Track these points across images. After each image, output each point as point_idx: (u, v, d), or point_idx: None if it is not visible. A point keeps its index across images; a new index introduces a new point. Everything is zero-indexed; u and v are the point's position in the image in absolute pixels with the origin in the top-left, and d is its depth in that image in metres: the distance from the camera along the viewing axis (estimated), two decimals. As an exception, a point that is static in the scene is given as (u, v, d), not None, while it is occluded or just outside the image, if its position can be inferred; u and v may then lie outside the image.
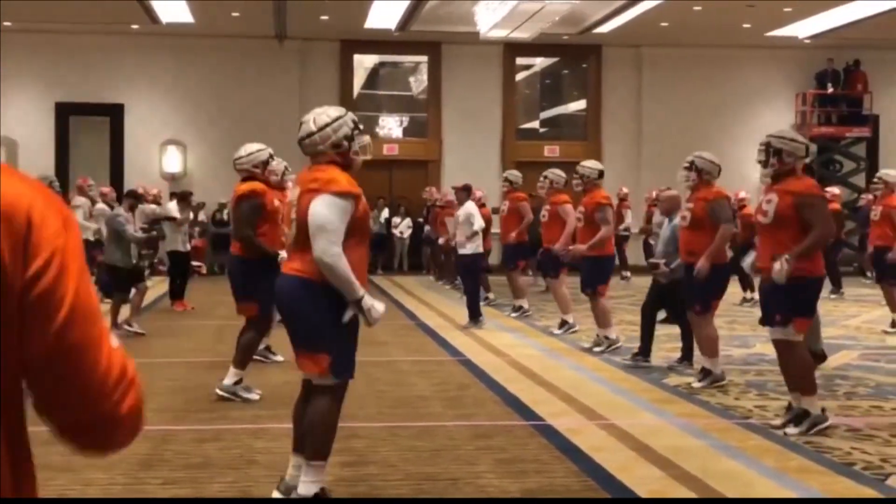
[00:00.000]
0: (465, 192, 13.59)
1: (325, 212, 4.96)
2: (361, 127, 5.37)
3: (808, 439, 6.76)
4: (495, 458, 6.29)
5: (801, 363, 7.08)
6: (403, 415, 7.66)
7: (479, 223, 13.02)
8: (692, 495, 5.46)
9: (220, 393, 8.05)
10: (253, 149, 8.53)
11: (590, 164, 11.55)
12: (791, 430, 6.84)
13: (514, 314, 14.26)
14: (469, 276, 13.32)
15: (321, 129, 5.20)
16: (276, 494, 5.29)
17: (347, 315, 5.02)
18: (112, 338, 1.55)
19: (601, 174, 11.38)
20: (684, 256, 9.15)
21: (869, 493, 5.52)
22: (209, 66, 24.46)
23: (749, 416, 7.58)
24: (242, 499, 5.47)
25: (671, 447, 6.53)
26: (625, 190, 22.26)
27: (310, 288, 5.03)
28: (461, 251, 13.19)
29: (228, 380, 8.12)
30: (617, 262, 19.37)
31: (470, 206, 13.32)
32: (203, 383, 8.72)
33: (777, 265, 6.71)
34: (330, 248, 4.92)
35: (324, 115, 5.25)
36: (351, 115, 5.33)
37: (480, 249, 13.18)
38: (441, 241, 19.52)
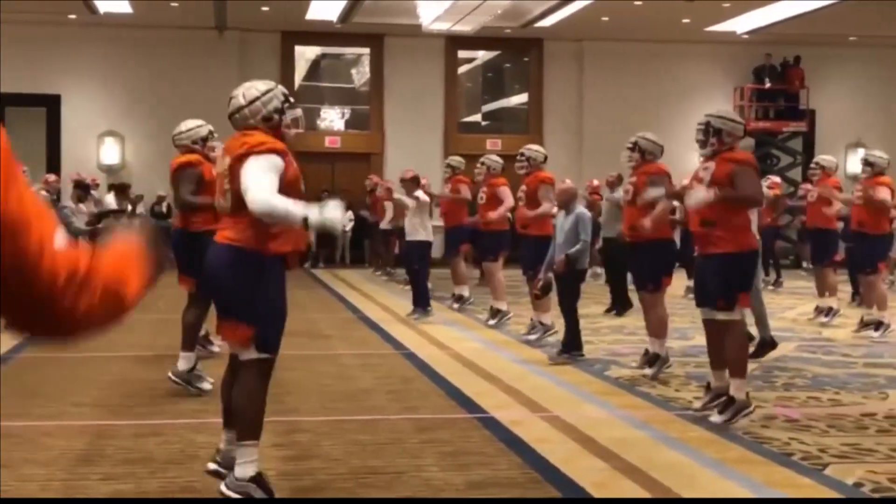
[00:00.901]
0: (413, 183, 13.56)
1: (255, 169, 4.94)
2: (292, 100, 5.35)
3: (748, 430, 6.85)
4: (439, 450, 6.30)
5: (738, 343, 7.17)
6: (347, 408, 7.64)
7: (424, 198, 13.09)
8: (636, 487, 5.50)
9: (173, 378, 7.96)
10: (192, 124, 8.50)
11: (535, 147, 11.83)
12: (716, 417, 6.93)
13: (455, 304, 14.24)
14: (419, 264, 13.26)
15: (251, 102, 5.19)
16: (212, 466, 5.28)
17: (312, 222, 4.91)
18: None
19: (546, 159, 11.59)
20: (628, 232, 9.27)
21: (807, 482, 5.60)
22: (148, 57, 24.18)
23: (689, 407, 7.65)
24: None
25: (614, 439, 6.58)
26: (568, 181, 22.34)
27: (240, 256, 4.98)
28: (411, 238, 13.16)
29: (183, 365, 8.01)
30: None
31: (419, 194, 13.31)
32: (142, 378, 8.63)
33: (701, 192, 6.89)
34: (260, 195, 4.86)
35: (253, 88, 5.25)
36: (281, 89, 5.32)
37: (431, 237, 13.15)
38: (386, 227, 19.50)
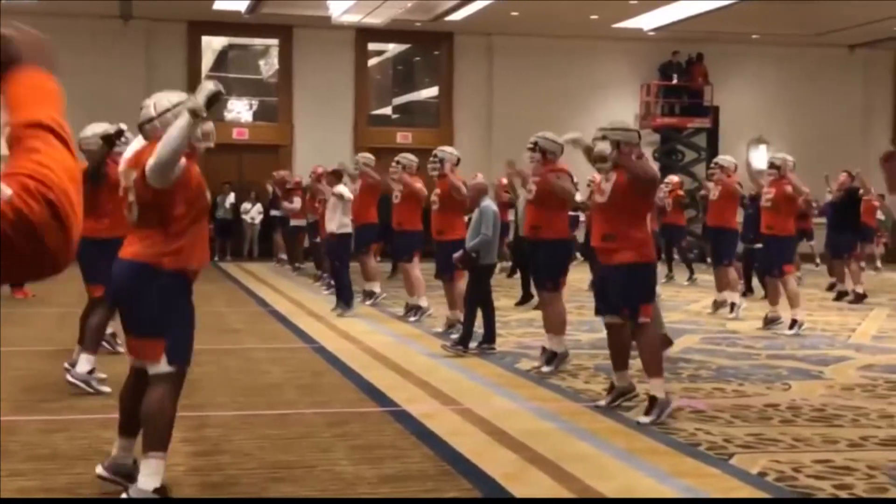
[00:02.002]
0: (335, 177, 13.49)
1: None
2: (205, 114, 5.30)
3: (655, 420, 6.95)
4: (351, 444, 6.29)
5: (650, 346, 7.26)
6: (257, 403, 7.59)
7: (348, 195, 13.07)
8: (546, 477, 5.56)
9: (73, 381, 7.79)
10: (99, 129, 8.30)
11: (449, 149, 11.86)
12: (643, 419, 6.97)
13: (367, 301, 14.17)
14: (340, 259, 13.18)
15: (161, 114, 5.12)
16: (99, 470, 5.21)
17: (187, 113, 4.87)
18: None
19: (458, 161, 11.59)
20: (528, 231, 9.36)
21: (713, 472, 5.71)
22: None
23: (598, 399, 7.75)
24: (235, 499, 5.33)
25: (524, 430, 6.63)
26: (480, 177, 22.46)
27: (147, 272, 4.96)
28: (331, 231, 13.10)
29: (82, 367, 7.85)
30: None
31: (341, 188, 13.25)
32: (46, 372, 8.47)
33: (607, 145, 7.07)
34: (158, 152, 4.84)
35: (164, 99, 5.18)
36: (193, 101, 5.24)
37: (350, 229, 13.08)
38: (296, 223, 19.36)
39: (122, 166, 5.33)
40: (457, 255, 9.95)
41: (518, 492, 5.31)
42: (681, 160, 27.01)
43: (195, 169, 5.08)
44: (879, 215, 25.56)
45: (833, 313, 14.11)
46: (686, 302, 15.38)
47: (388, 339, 10.98)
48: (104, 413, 7.06)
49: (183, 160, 4.96)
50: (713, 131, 26.91)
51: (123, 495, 4.97)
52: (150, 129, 5.13)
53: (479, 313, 10.01)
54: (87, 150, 8.22)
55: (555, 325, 9.21)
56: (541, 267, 9.31)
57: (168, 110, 5.12)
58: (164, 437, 4.96)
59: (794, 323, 11.82)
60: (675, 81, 26.75)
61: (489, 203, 10.22)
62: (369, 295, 14.29)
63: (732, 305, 13.27)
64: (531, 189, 9.38)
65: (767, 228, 12.04)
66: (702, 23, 23.57)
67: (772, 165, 12.25)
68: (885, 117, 28.56)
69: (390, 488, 5.39)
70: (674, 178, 17.52)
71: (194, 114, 4.85)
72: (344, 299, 13.01)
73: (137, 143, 5.32)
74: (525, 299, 14.08)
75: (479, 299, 9.99)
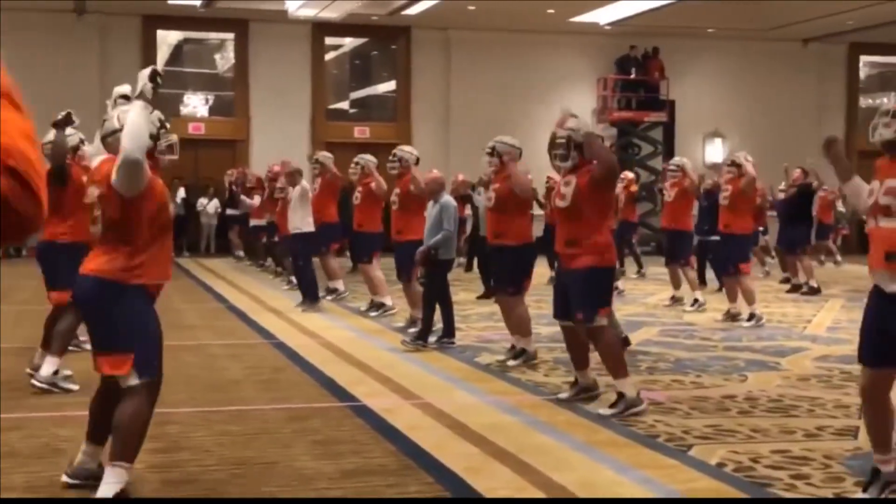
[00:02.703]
0: (296, 175, 13.44)
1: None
2: (168, 126, 5.27)
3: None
4: (311, 440, 6.27)
5: (609, 348, 7.21)
6: (216, 399, 7.55)
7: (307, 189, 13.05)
8: (507, 470, 5.58)
9: (39, 385, 7.66)
10: (113, 114, 8.11)
11: (408, 149, 11.81)
12: (605, 410, 6.99)
13: (329, 297, 14.12)
14: (304, 256, 13.13)
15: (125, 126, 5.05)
16: (64, 479, 5.19)
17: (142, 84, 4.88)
18: None
19: (418, 160, 11.56)
20: (491, 237, 9.35)
21: (672, 463, 5.75)
22: (2, 40, 23.34)
23: (558, 392, 7.78)
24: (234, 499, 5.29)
25: (485, 424, 6.65)
26: (436, 171, 22.48)
27: (111, 289, 4.92)
28: (294, 230, 13.05)
29: (46, 370, 7.72)
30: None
31: (305, 186, 13.21)
32: (3, 370, 8.36)
33: (575, 121, 7.12)
34: (121, 156, 4.79)
35: (128, 112, 5.11)
36: (157, 114, 5.21)
37: (312, 228, 13.03)
38: (256, 223, 19.28)
39: (86, 179, 5.28)
40: (418, 251, 9.95)
41: (479, 485, 5.32)
42: (637, 154, 27.16)
43: (159, 183, 5.06)
44: (840, 207, 25.91)
45: (789, 305, 14.26)
46: (644, 295, 15.47)
47: (349, 335, 10.96)
48: (60, 411, 7.01)
49: (148, 172, 4.92)
50: (669, 125, 27.09)
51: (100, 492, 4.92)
52: (114, 142, 5.07)
53: (438, 308, 10.01)
54: (47, 156, 8.03)
55: (519, 328, 9.20)
56: (503, 272, 9.27)
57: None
58: (133, 449, 4.93)
59: (751, 316, 11.93)
60: (631, 76, 26.89)
61: (448, 198, 10.21)
62: (332, 292, 14.27)
63: (695, 301, 13.35)
64: (490, 196, 9.33)
65: (725, 227, 12.13)
66: (658, 17, 23.70)
67: (732, 163, 12.35)
68: (838, 110, 28.87)
69: (351, 483, 5.38)
70: (628, 174, 17.62)
71: (143, 96, 4.82)
72: (309, 296, 12.97)
73: (99, 157, 5.28)
74: (487, 294, 14.09)
75: (437, 294, 9.99)
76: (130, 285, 4.92)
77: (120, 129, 5.02)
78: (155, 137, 5.14)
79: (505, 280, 9.23)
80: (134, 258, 4.93)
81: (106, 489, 4.84)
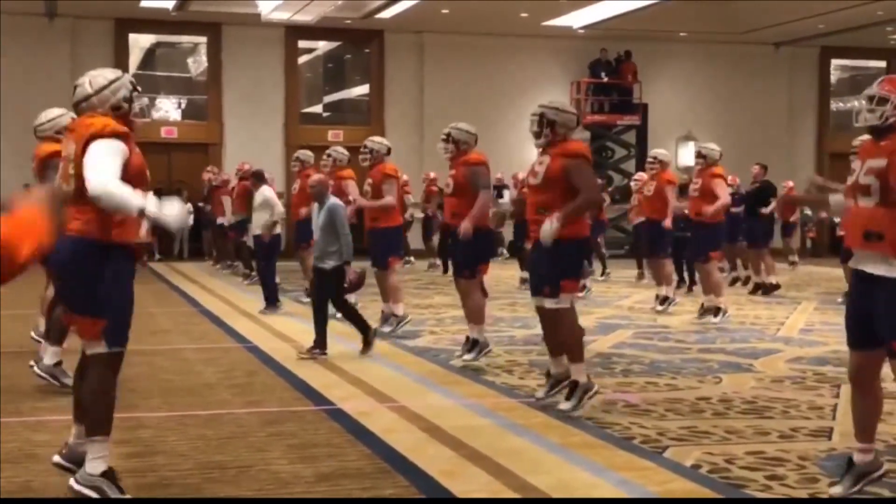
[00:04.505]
0: (258, 178, 13.41)
1: (98, 151, 4.84)
2: (140, 89, 5.28)
3: (590, 415, 7.00)
4: (287, 443, 6.25)
5: (570, 331, 7.23)
6: (190, 403, 7.51)
7: (279, 210, 12.93)
8: (483, 473, 5.57)
9: (39, 373, 7.70)
10: (54, 114, 8.03)
11: (378, 139, 11.80)
12: (564, 405, 7.03)
13: (308, 298, 14.08)
14: (266, 260, 13.10)
15: (99, 91, 5.08)
16: (56, 458, 5.21)
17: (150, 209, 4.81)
18: None
19: (389, 150, 11.58)
20: (449, 218, 9.46)
21: (648, 465, 5.76)
22: (-27, 42, 23.19)
23: (533, 394, 7.78)
24: (237, 499, 5.25)
25: (460, 427, 6.64)
26: (405, 177, 22.51)
27: (90, 248, 4.88)
28: (255, 233, 13.00)
29: (48, 359, 7.74)
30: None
31: (266, 191, 13.16)
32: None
33: (546, 224, 6.93)
34: (99, 177, 4.74)
35: (100, 77, 5.14)
36: (129, 77, 5.22)
37: (279, 230, 12.99)
38: (222, 221, 19.25)
39: (65, 139, 5.26)
40: (351, 278, 9.57)
41: (455, 488, 5.31)
42: (611, 157, 27.26)
43: (136, 151, 5.02)
44: (806, 209, 26.06)
45: (761, 307, 14.33)
46: (618, 297, 15.51)
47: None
48: (33, 415, 6.96)
49: (123, 145, 4.90)
50: (642, 128, 27.19)
51: (72, 482, 4.95)
52: (88, 107, 5.07)
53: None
54: (42, 137, 7.98)
55: (473, 314, 9.24)
56: (459, 255, 9.35)
57: (104, 87, 5.08)
58: (105, 421, 4.95)
59: (717, 310, 12.03)
60: (604, 79, 26.97)
61: (336, 201, 9.81)
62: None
63: (665, 299, 13.42)
64: (448, 183, 9.46)
65: (696, 215, 12.27)
66: (630, 21, 23.79)
67: (699, 155, 12.53)
68: (810, 113, 29.06)
69: (327, 487, 5.36)
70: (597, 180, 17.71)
71: (142, 214, 4.79)
72: (271, 300, 12.93)
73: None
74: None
75: (326, 303, 9.67)
76: (113, 244, 4.89)
77: (93, 94, 5.05)
78: (128, 101, 5.14)
79: (461, 264, 9.31)
80: (111, 216, 4.87)
81: (91, 466, 4.90)
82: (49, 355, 7.78)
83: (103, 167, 4.79)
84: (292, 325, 11.94)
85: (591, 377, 7.30)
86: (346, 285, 9.61)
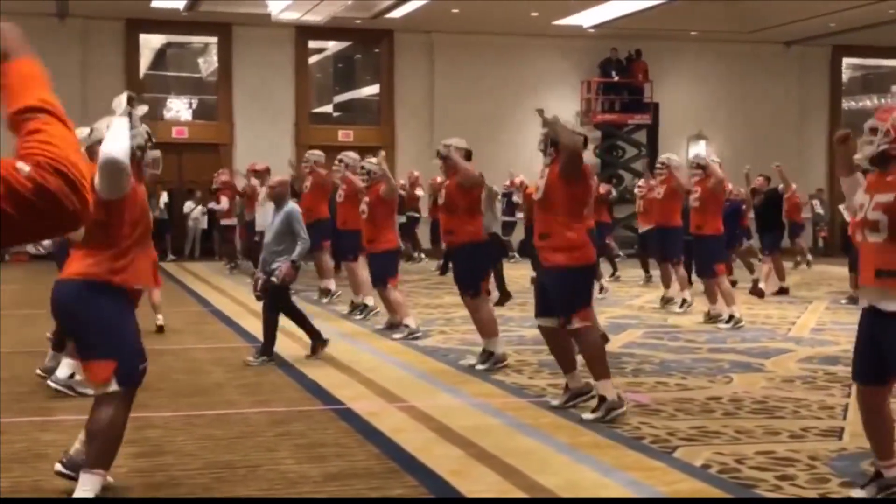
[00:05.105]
0: (265, 175, 13.43)
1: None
2: (154, 140, 5.36)
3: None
4: (295, 443, 6.25)
5: (590, 349, 7.17)
6: (199, 403, 7.51)
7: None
8: (491, 473, 5.56)
9: (54, 386, 7.65)
10: (100, 125, 8.01)
11: (376, 160, 11.74)
12: (588, 415, 6.92)
13: (324, 299, 14.14)
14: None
15: (87, 135, 5.19)
16: (57, 467, 5.21)
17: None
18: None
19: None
20: (443, 237, 9.60)
21: (657, 465, 5.75)
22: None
23: (543, 394, 7.77)
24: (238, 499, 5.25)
25: (469, 426, 6.63)
26: (416, 173, 22.53)
27: (93, 289, 4.92)
28: (259, 229, 13.01)
29: (63, 372, 7.71)
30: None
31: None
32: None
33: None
34: (101, 158, 4.82)
35: (101, 123, 5.25)
36: (146, 128, 5.29)
37: None
38: (226, 223, 19.27)
39: None
40: (286, 271, 9.25)
41: (463, 488, 5.30)
42: (621, 157, 27.21)
43: (141, 189, 5.11)
44: (818, 209, 25.93)
45: (772, 307, 14.28)
46: (629, 297, 15.48)
47: (333, 338, 10.89)
48: (42, 416, 6.97)
49: (131, 177, 4.93)
50: (653, 128, 27.13)
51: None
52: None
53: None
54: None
55: (486, 328, 9.20)
56: (459, 273, 9.42)
57: (89, 134, 5.24)
58: (109, 456, 4.95)
59: (730, 318, 11.95)
60: (615, 78, 26.93)
61: (293, 205, 9.64)
62: (325, 293, 14.27)
63: (683, 301, 13.38)
64: (441, 195, 9.56)
65: (696, 228, 12.17)
66: (641, 20, 23.73)
67: (697, 166, 12.49)
68: (821, 112, 28.96)
69: (335, 486, 5.36)
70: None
71: (127, 111, 4.89)
72: None
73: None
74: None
75: (277, 311, 9.50)
76: (113, 286, 4.91)
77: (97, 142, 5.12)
78: (142, 149, 5.18)
79: (463, 283, 9.32)
80: (118, 260, 4.93)
81: (80, 493, 4.85)
82: (64, 367, 7.77)
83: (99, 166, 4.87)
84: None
85: (620, 395, 7.15)
86: (281, 281, 9.32)
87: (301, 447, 6.15)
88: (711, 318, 12.22)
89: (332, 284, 14.37)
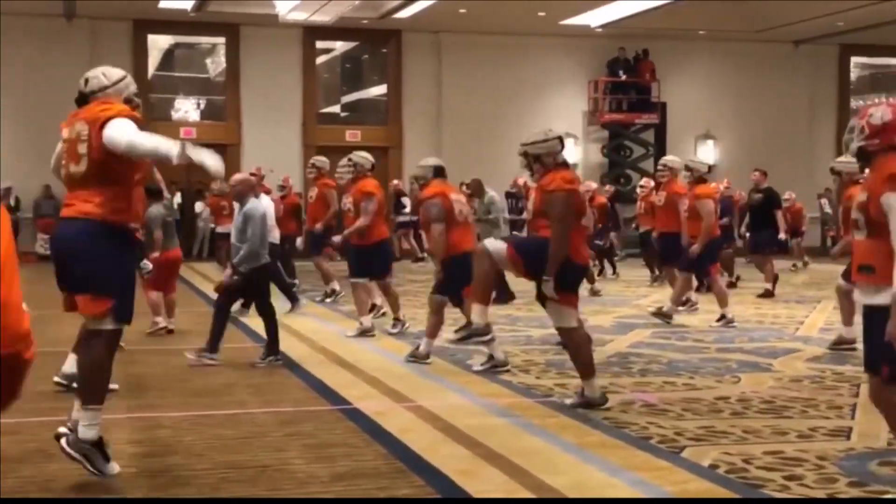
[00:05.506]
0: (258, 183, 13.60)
1: (120, 123, 5.17)
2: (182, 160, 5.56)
3: (606, 415, 6.98)
4: (303, 443, 6.25)
5: (574, 350, 7.34)
6: (208, 403, 7.52)
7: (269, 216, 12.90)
8: (499, 473, 5.56)
9: (59, 381, 7.73)
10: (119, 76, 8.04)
11: (363, 154, 11.80)
12: (568, 401, 7.17)
13: (328, 299, 14.28)
14: (273, 264, 13.11)
15: (115, 83, 5.48)
16: (62, 429, 5.33)
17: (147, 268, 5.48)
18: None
19: (373, 167, 11.67)
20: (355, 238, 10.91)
21: (665, 465, 5.74)
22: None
23: (550, 394, 7.77)
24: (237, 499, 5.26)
25: (476, 426, 6.63)
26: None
27: (96, 229, 5.17)
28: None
29: (69, 367, 7.71)
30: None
31: (264, 199, 13.18)
32: None
33: (545, 287, 7.03)
34: (124, 131, 5.12)
35: (112, 71, 5.57)
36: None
37: (275, 239, 13.01)
38: (223, 230, 19.29)
39: (68, 123, 5.45)
40: (227, 274, 9.36)
41: (471, 488, 5.30)
42: (629, 156, 27.21)
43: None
44: (827, 208, 25.90)
45: (780, 306, 14.26)
46: (635, 297, 15.46)
47: (339, 338, 10.94)
48: (52, 415, 6.97)
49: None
50: (661, 127, 27.12)
51: (63, 442, 5.23)
52: (103, 96, 5.40)
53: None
54: None
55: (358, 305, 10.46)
56: (444, 288, 9.52)
57: (120, 80, 5.52)
58: (102, 391, 5.28)
59: (722, 317, 11.98)
60: (622, 78, 26.90)
61: (255, 203, 9.50)
62: (332, 293, 14.42)
63: (687, 301, 13.37)
64: (347, 202, 11.25)
65: (690, 236, 12.16)
66: (648, 19, 23.73)
67: (686, 168, 12.60)
68: (829, 111, 28.92)
69: (343, 486, 5.36)
70: (591, 185, 17.66)
71: (184, 156, 5.16)
72: (291, 301, 12.98)
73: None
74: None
75: (230, 306, 9.48)
76: (117, 225, 5.19)
77: (110, 86, 5.46)
78: (136, 96, 5.58)
79: (450, 295, 9.42)
80: (118, 201, 5.21)
81: (84, 432, 5.14)
82: (69, 363, 7.74)
83: (125, 127, 5.14)
84: (310, 324, 11.97)
85: (604, 393, 7.33)
86: (221, 286, 9.34)
87: (309, 447, 6.16)
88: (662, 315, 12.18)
89: (336, 285, 14.45)
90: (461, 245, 9.22)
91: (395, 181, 24.12)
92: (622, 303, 14.43)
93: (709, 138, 27.80)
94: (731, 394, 7.84)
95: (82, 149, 5.20)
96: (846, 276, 9.33)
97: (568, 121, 26.57)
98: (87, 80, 5.49)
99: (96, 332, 5.22)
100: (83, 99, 5.46)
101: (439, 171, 9.68)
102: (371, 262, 11.12)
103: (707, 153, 27.48)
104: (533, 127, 25.44)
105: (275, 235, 12.89)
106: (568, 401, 7.40)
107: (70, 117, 5.49)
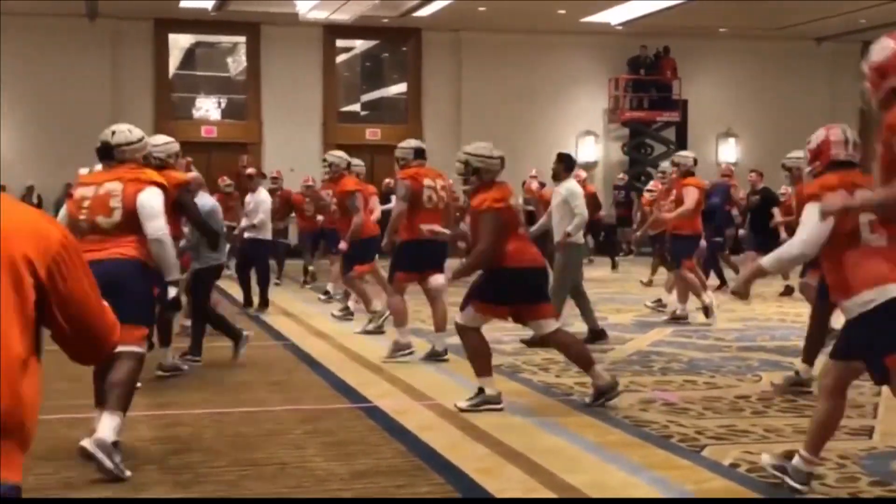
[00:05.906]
0: (256, 178, 13.56)
1: (155, 201, 5.88)
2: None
3: (627, 413, 6.96)
4: (323, 441, 6.26)
5: (564, 347, 7.40)
6: (228, 401, 7.54)
7: (262, 213, 12.91)
8: (518, 471, 5.55)
9: (162, 374, 8.37)
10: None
11: (338, 154, 11.93)
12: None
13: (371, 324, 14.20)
14: (261, 263, 13.15)
15: (139, 140, 6.08)
16: (83, 442, 5.43)
17: (172, 292, 6.06)
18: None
19: (349, 165, 11.71)
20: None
21: (685, 463, 5.72)
22: (15, 45, 23.37)
23: (570, 392, 7.76)
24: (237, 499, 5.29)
25: (496, 425, 6.62)
26: (194, 173, 22.48)
27: (138, 268, 5.81)
28: (248, 235, 13.05)
29: (167, 360, 8.43)
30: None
31: (262, 194, 13.23)
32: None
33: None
34: (163, 227, 5.90)
35: (136, 130, 6.16)
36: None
37: (263, 235, 13.02)
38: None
39: (87, 183, 6.08)
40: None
41: (490, 486, 5.30)
42: (650, 154, 27.13)
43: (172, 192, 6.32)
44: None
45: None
46: (653, 297, 15.38)
47: (360, 337, 10.94)
48: (71, 413, 7.01)
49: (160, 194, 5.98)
50: (682, 125, 27.03)
51: (84, 440, 5.41)
52: (130, 151, 6.01)
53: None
54: (155, 157, 7.80)
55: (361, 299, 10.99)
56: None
57: (141, 139, 6.12)
58: (128, 401, 5.73)
59: (672, 312, 12.07)
60: (643, 75, 26.83)
61: (206, 199, 9.45)
62: (347, 295, 14.34)
63: (658, 300, 13.49)
64: (332, 201, 11.88)
65: (673, 228, 12.20)
66: (669, 17, 23.65)
67: (673, 163, 12.57)
68: (852, 109, 28.65)
69: (363, 484, 5.36)
70: (581, 174, 17.64)
71: (174, 283, 6.10)
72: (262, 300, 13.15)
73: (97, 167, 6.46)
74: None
75: (205, 309, 9.41)
76: (149, 267, 5.87)
77: (136, 142, 6.06)
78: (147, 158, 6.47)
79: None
80: (146, 245, 5.87)
81: (107, 432, 5.45)
82: (168, 356, 8.47)
83: (160, 217, 5.88)
84: (330, 323, 11.98)
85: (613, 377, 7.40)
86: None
87: (329, 445, 6.17)
88: (676, 318, 12.14)
89: (378, 305, 14.38)
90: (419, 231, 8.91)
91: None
92: (639, 301, 14.38)
93: (730, 136, 27.69)
94: (752, 392, 7.82)
95: (115, 202, 5.83)
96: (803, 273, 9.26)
97: (588, 119, 26.54)
98: (113, 133, 6.03)
99: (128, 354, 5.62)
100: (106, 150, 6.00)
101: (419, 153, 9.73)
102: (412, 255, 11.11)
103: (729, 151, 27.37)
104: (555, 125, 25.57)
105: (267, 229, 12.98)
106: (587, 399, 7.38)
107: (88, 179, 6.24)
